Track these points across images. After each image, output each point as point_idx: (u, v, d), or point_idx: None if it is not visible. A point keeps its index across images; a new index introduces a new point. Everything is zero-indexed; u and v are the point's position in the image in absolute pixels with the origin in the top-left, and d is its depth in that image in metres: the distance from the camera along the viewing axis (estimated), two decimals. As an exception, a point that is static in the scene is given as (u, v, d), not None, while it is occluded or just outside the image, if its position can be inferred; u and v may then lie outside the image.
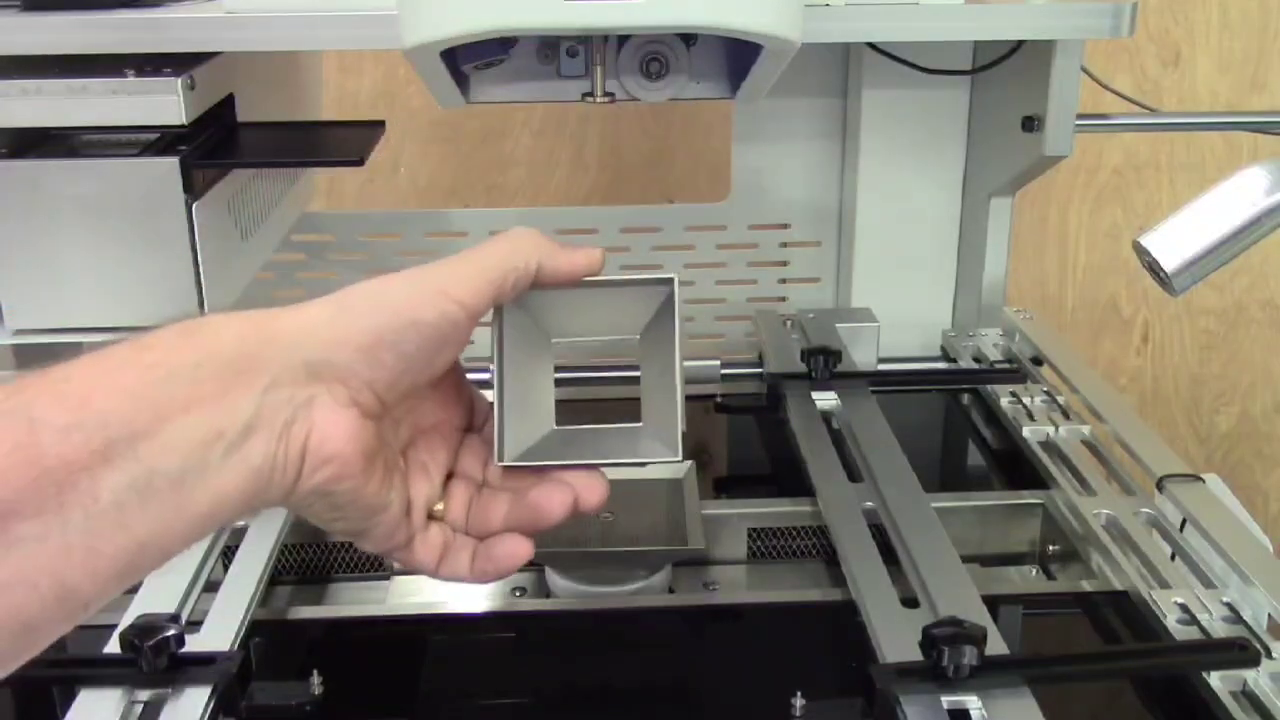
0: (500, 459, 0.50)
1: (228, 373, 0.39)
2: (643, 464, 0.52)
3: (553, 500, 0.49)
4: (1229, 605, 0.63)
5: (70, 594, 0.36)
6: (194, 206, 0.68)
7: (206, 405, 0.38)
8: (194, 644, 0.60)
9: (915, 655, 0.57)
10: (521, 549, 0.49)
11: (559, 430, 0.52)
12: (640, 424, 0.53)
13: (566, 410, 0.52)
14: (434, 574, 0.49)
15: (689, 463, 0.77)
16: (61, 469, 0.35)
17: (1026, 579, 0.78)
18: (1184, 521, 0.72)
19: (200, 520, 0.38)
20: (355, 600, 0.76)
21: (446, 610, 0.71)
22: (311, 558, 0.77)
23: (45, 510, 0.35)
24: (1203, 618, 0.63)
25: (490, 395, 0.51)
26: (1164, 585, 0.66)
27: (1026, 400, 0.89)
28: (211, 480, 0.38)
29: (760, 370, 0.97)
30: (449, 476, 0.51)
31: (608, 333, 0.52)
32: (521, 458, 0.51)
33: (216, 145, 0.73)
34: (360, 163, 0.72)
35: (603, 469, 0.51)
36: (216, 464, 0.38)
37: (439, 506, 0.49)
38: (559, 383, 0.53)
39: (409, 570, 0.59)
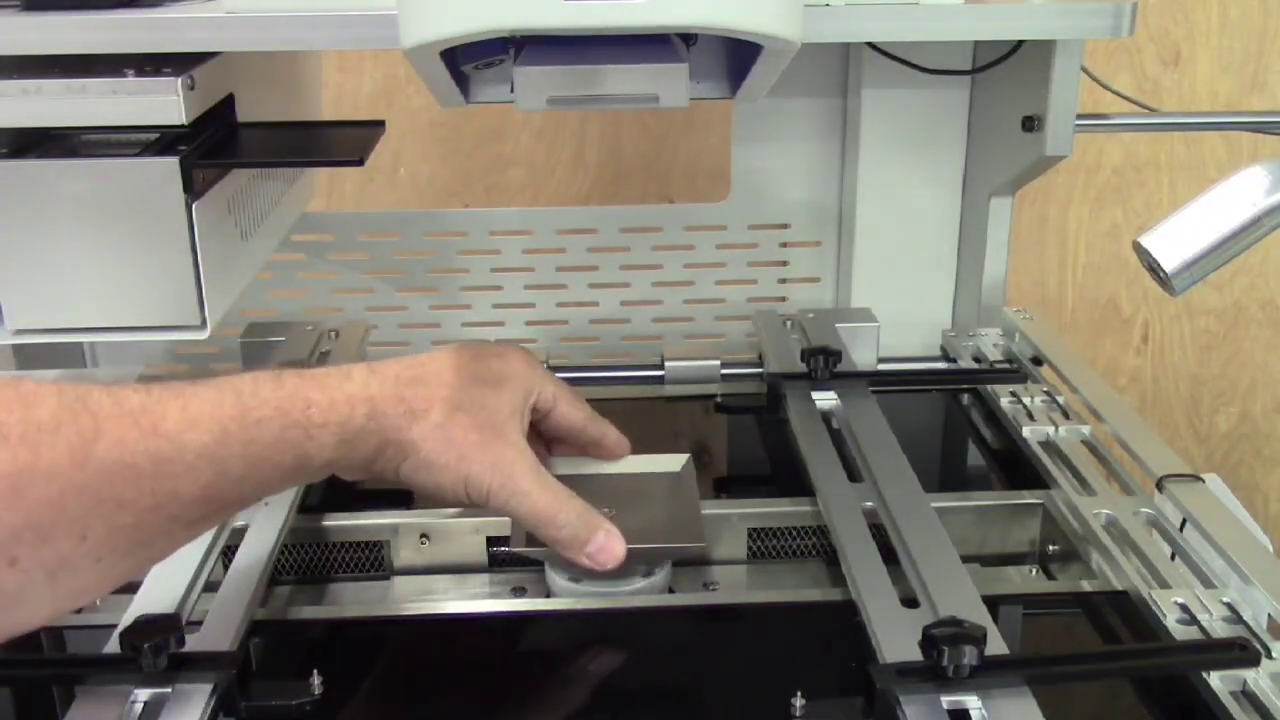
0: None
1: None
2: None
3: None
4: (1229, 605, 0.64)
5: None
6: (194, 206, 0.68)
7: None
8: (194, 644, 0.60)
9: (915, 655, 0.57)
10: None
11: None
12: None
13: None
14: None
15: (685, 456, 0.77)
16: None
17: (1026, 579, 0.78)
18: (1184, 521, 0.72)
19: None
20: (355, 600, 0.75)
21: (446, 610, 0.71)
22: (311, 558, 0.77)
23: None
24: (1203, 618, 0.63)
25: None
26: (1164, 585, 0.66)
27: (1026, 400, 0.89)
28: None
29: (760, 370, 0.97)
30: None
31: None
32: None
33: (216, 145, 0.73)
34: (360, 163, 0.72)
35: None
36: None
37: None
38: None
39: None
